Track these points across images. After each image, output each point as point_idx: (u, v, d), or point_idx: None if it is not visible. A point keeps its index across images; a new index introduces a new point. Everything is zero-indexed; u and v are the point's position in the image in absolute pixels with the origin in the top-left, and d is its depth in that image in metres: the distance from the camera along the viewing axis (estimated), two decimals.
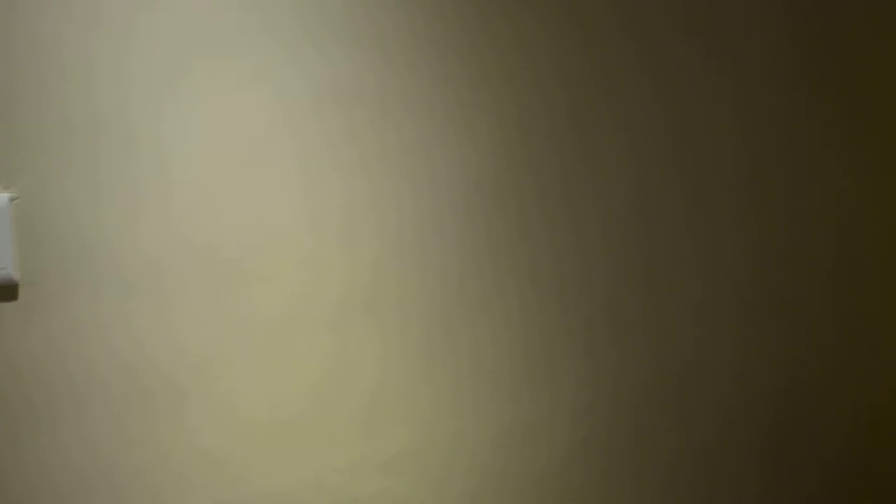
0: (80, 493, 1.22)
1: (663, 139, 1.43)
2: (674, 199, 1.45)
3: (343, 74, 1.28)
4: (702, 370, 1.48)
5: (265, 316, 1.27)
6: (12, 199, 1.16)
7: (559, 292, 1.40)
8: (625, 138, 1.41)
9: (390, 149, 1.32)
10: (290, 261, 1.28)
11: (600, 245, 1.41)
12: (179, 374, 1.24)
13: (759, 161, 1.52)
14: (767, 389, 1.53)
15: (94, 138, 1.20)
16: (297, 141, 1.28)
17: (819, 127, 1.55)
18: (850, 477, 1.59)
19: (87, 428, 1.22)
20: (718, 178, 1.49)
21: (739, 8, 1.48)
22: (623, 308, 1.43)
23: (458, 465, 1.37)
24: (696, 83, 1.45)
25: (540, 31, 1.36)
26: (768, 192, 1.52)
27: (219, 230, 1.24)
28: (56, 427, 1.21)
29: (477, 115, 1.34)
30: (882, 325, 1.64)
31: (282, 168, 1.27)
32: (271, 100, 1.26)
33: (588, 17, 1.39)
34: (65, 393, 1.21)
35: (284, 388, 1.28)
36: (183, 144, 1.23)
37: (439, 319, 1.35)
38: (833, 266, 1.57)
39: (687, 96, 1.45)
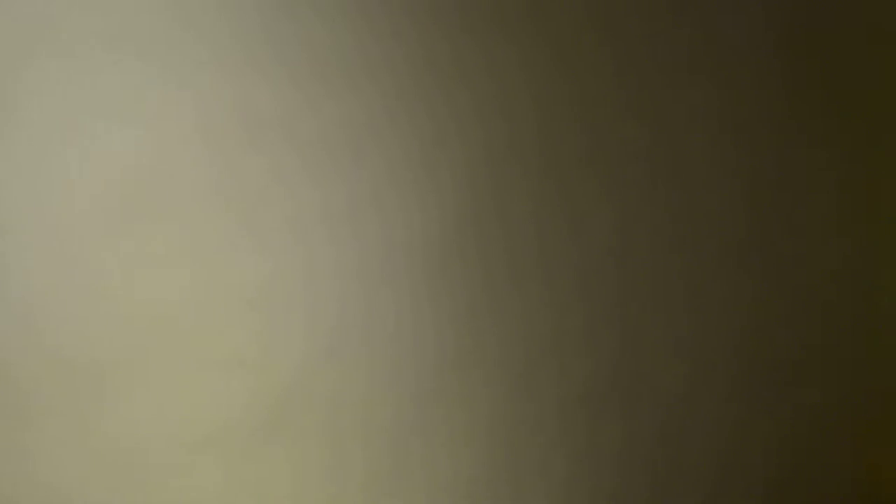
0: None
1: (644, 167, 1.34)
2: (657, 244, 1.36)
3: (262, 106, 0.98)
4: (679, 474, 1.36)
5: (143, 440, 0.99)
6: None
7: (530, 376, 1.21)
8: (602, 169, 1.29)
9: (328, 204, 1.01)
10: (181, 363, 1.01)
11: (578, 315, 1.25)
12: None
13: (754, 190, 1.45)
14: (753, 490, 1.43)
15: None
16: (190, 197, 1.00)
17: (818, 151, 1.50)
18: None
19: None
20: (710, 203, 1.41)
21: (727, 18, 1.41)
22: (599, 392, 1.28)
23: None
24: (681, 100, 1.37)
25: (513, 58, 1.18)
26: (764, 231, 1.46)
27: (81, 326, 0.97)
28: None
29: (440, 159, 1.14)
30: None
31: (168, 234, 0.99)
32: (155, 136, 0.98)
33: (564, 39, 1.25)
34: None
35: None
36: (24, 202, 0.95)
37: (386, 436, 1.07)
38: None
39: (670, 114, 1.36)
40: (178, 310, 0.98)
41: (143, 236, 0.97)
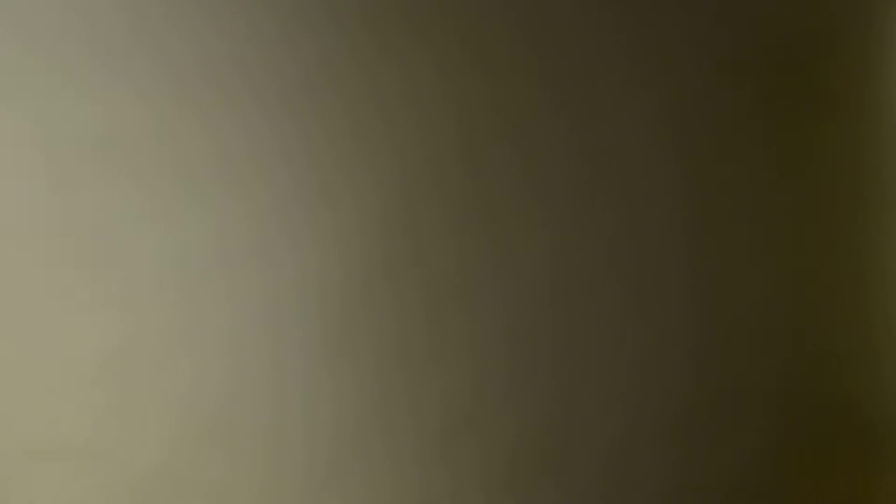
0: None
1: (582, 193, 1.21)
2: (594, 282, 1.22)
3: (99, 126, 0.75)
4: None
5: None
6: None
7: (448, 445, 1.03)
8: (535, 196, 1.15)
9: (192, 249, 0.80)
10: (27, 446, 0.78)
11: (504, 368, 1.10)
12: None
13: (697, 224, 1.38)
14: None
15: None
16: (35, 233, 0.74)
17: (761, 177, 1.45)
18: None
19: None
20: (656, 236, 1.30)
21: (675, 23, 1.33)
22: (529, 457, 1.13)
23: None
24: (624, 118, 1.25)
25: (429, 65, 1.01)
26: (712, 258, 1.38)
27: None
28: None
29: (343, 188, 0.94)
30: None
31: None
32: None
33: (487, 42, 1.09)
34: None
35: None
36: None
37: None
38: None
39: (610, 130, 1.23)
40: (23, 379, 0.76)
41: None
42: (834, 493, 1.65)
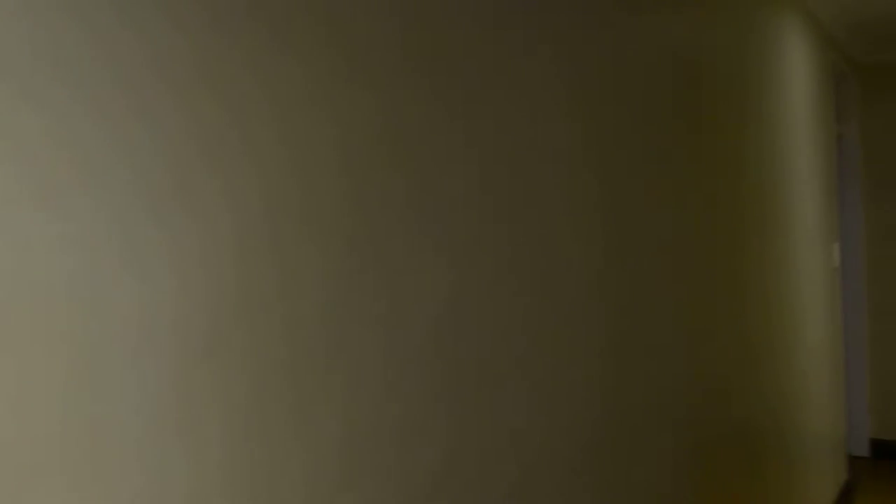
0: None
1: (481, 213, 1.09)
2: (496, 310, 1.10)
3: None
4: None
5: None
6: None
7: None
8: (428, 215, 1.01)
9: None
10: None
11: (389, 412, 0.96)
12: None
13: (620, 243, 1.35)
14: None
15: None
16: None
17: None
18: None
19: None
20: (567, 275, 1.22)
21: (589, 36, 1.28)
22: None
23: None
24: (529, 133, 1.15)
25: (298, 76, 0.85)
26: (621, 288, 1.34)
27: None
28: None
29: (183, 214, 0.79)
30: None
31: None
32: None
33: (368, 51, 0.95)
34: None
35: None
36: None
37: None
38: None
39: (516, 142, 1.13)
40: None
41: None
42: (733, 499, 1.66)
